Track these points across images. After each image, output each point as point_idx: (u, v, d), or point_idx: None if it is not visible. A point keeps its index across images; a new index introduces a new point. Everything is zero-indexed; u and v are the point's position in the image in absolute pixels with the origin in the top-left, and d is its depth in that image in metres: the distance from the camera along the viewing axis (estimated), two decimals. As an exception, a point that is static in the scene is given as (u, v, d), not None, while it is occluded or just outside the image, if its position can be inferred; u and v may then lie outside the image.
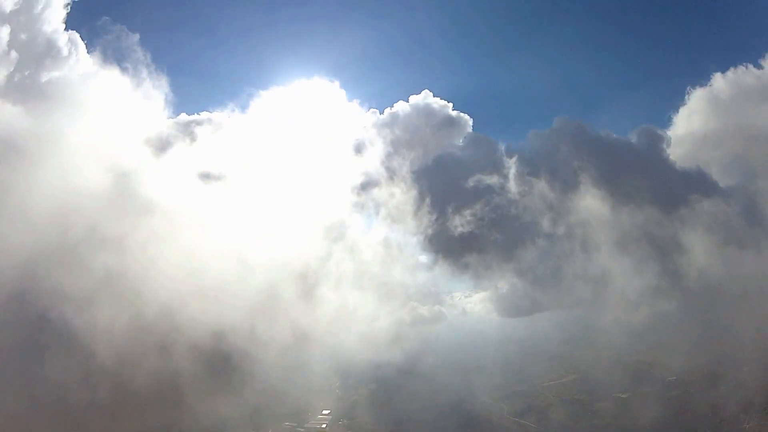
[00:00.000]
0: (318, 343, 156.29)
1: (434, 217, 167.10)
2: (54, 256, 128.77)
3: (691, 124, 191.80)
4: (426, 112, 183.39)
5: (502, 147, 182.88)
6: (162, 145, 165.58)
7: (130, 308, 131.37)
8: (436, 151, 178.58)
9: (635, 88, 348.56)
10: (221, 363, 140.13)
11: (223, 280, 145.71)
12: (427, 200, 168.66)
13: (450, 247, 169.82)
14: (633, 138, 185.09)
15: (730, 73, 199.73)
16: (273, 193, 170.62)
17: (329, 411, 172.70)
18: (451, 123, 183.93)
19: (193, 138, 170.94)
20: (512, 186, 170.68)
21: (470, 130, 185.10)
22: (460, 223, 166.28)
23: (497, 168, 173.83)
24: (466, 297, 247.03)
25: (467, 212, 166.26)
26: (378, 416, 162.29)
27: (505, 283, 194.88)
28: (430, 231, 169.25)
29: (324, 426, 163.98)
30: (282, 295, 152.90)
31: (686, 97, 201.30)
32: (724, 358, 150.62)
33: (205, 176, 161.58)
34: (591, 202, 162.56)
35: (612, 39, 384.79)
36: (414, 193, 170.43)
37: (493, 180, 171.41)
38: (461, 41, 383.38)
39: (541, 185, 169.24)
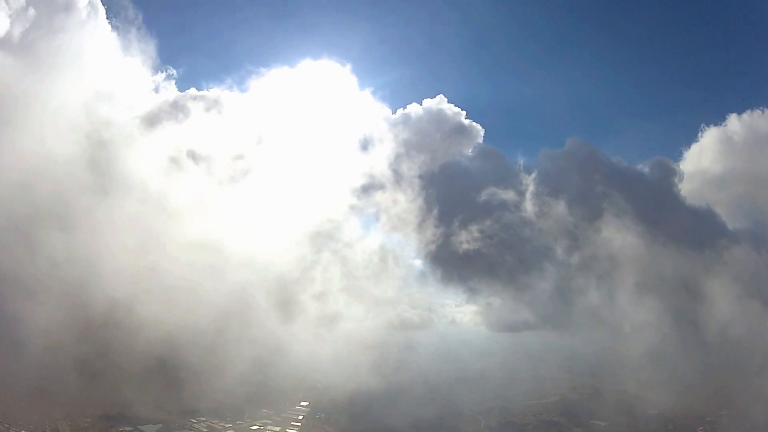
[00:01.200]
0: (294, 354, 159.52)
1: (440, 230, 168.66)
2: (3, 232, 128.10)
3: (702, 162, 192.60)
4: (439, 117, 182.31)
5: (520, 162, 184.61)
6: (150, 119, 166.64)
7: (73, 300, 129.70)
8: (444, 158, 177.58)
9: (648, 118, 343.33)
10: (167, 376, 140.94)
11: (188, 279, 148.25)
12: (435, 211, 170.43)
13: (452, 264, 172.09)
14: (645, 168, 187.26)
15: (745, 116, 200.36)
16: (263, 184, 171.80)
17: (308, 403, 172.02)
18: (462, 131, 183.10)
19: (185, 114, 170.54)
20: (528, 205, 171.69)
21: (481, 140, 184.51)
22: (466, 239, 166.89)
23: (513, 183, 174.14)
24: (456, 306, 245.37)
25: (475, 228, 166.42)
26: (355, 417, 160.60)
27: (498, 299, 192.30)
28: (433, 246, 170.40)
29: (301, 417, 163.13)
30: (256, 301, 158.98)
31: (699, 134, 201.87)
32: (711, 403, 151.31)
33: (191, 157, 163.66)
34: (608, 232, 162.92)
35: (631, 66, 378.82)
36: (420, 201, 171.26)
37: (508, 195, 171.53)
38: (480, 50, 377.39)
39: (560, 208, 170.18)
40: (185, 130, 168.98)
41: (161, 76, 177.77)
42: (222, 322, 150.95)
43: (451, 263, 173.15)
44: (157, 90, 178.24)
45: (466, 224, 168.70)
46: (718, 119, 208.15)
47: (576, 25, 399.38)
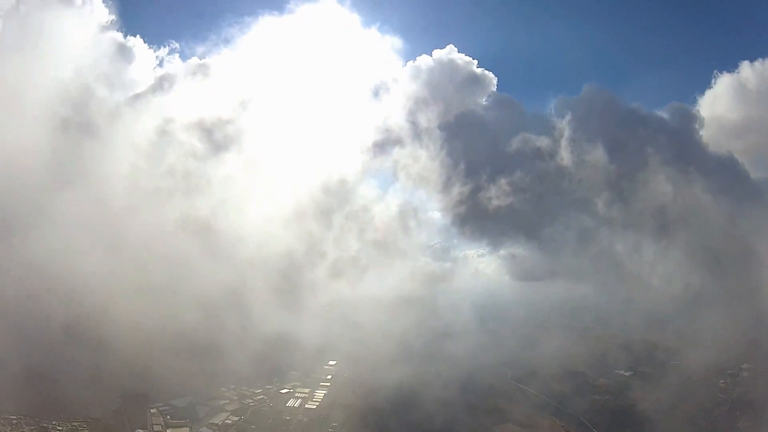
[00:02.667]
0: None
1: (467, 186, 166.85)
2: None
3: (716, 109, 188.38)
4: (450, 67, 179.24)
5: (551, 106, 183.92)
6: (142, 94, 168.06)
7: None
8: (458, 109, 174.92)
9: (660, 64, 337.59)
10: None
11: (170, 274, 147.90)
12: (460, 165, 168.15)
13: (480, 220, 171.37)
14: (665, 115, 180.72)
15: (758, 64, 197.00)
16: (261, 149, 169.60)
17: (336, 362, 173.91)
18: (475, 81, 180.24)
19: (173, 83, 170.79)
20: (564, 153, 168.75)
21: (494, 89, 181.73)
22: (496, 195, 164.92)
23: (546, 129, 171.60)
24: (479, 256, 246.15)
25: (505, 181, 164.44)
26: (382, 372, 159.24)
27: (523, 249, 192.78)
28: (460, 204, 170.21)
29: (329, 377, 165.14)
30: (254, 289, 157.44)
31: (713, 80, 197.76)
32: (735, 356, 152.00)
33: (174, 127, 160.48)
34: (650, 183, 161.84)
35: (644, 11, 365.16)
36: (443, 155, 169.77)
37: (542, 143, 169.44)
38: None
39: (599, 155, 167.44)
40: (176, 99, 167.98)
41: (164, 50, 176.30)
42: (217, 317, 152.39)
43: (479, 219, 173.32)
44: (161, 64, 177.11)
45: (494, 178, 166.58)
46: (731, 66, 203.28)
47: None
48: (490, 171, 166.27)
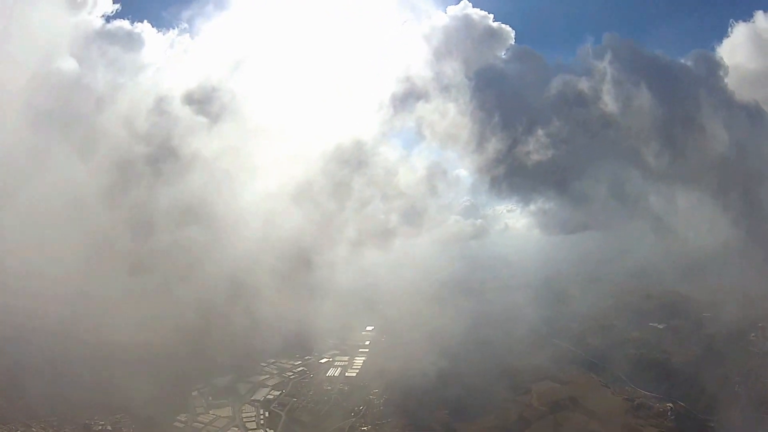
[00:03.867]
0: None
1: (504, 142, 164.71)
2: None
3: (735, 58, 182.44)
4: (466, 23, 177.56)
5: (588, 47, 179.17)
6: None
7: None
8: (478, 64, 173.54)
9: (676, 12, 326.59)
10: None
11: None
12: (495, 119, 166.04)
13: (515, 180, 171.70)
14: (688, 62, 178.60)
15: None
16: (263, 117, 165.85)
17: (372, 327, 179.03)
18: (493, 35, 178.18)
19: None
20: (607, 97, 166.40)
21: (512, 42, 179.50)
22: (535, 148, 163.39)
23: (587, 70, 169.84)
24: (508, 211, 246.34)
25: (543, 132, 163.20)
26: (418, 335, 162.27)
27: (554, 204, 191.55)
28: (499, 166, 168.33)
29: (367, 342, 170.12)
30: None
31: (729, 29, 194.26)
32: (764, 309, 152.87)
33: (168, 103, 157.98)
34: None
35: None
36: (473, 108, 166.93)
37: (583, 85, 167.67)
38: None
39: (643, 98, 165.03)
40: (173, 75, 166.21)
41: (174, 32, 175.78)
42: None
43: (514, 176, 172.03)
44: (172, 46, 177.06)
45: (532, 129, 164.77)
46: (746, 15, 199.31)
47: None
48: (527, 122, 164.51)
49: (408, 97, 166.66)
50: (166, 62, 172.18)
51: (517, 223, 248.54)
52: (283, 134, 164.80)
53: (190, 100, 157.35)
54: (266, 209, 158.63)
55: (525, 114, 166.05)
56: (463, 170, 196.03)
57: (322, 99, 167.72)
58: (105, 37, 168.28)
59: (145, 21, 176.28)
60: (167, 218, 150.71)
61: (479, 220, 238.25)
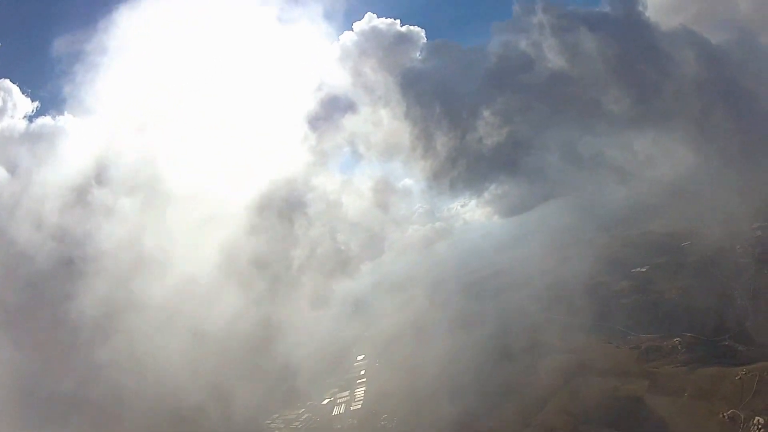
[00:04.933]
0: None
1: (454, 135, 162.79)
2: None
3: None
4: (374, 34, 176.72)
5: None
6: None
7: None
8: (399, 68, 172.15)
9: None
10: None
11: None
12: (437, 113, 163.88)
13: (465, 174, 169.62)
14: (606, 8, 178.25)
15: None
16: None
17: (363, 356, 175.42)
18: (403, 38, 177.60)
19: None
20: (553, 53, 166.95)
21: (424, 41, 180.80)
22: (485, 132, 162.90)
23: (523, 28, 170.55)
24: (462, 206, 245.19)
25: (490, 112, 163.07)
26: (412, 348, 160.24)
27: (507, 186, 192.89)
28: (457, 164, 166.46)
29: (363, 372, 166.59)
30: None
31: None
32: (743, 220, 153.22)
33: None
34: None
35: None
36: (413, 112, 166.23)
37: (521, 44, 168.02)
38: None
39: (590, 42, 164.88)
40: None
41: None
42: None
43: (471, 170, 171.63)
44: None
45: (477, 113, 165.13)
46: None
47: None
48: (469, 109, 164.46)
49: (332, 113, 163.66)
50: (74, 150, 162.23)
51: (474, 215, 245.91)
52: (198, 198, 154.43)
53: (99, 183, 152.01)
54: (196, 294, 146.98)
55: (464, 101, 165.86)
56: (409, 179, 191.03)
57: (236, 147, 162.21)
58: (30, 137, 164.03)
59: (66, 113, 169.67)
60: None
61: (438, 223, 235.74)
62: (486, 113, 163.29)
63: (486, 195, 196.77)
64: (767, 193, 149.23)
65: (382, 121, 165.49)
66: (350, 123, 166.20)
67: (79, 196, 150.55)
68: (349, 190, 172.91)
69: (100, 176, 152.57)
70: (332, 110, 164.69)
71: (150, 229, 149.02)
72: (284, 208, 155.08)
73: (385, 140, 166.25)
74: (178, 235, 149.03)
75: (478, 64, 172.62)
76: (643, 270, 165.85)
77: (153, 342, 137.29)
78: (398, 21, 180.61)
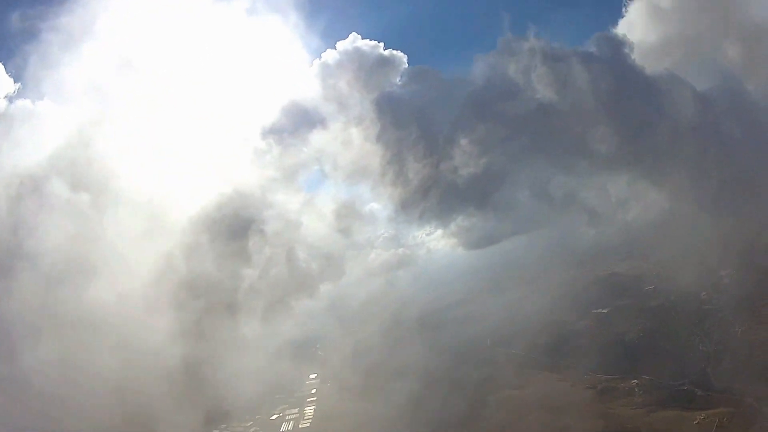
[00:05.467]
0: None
1: (427, 163, 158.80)
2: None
3: (634, 35, 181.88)
4: (357, 55, 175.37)
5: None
6: None
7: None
8: (376, 91, 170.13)
9: (566, 5, 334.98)
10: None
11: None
12: (412, 138, 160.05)
13: (440, 205, 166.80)
14: (591, 48, 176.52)
15: None
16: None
17: (315, 375, 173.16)
18: (385, 62, 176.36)
19: None
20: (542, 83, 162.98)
21: (406, 66, 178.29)
22: (461, 161, 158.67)
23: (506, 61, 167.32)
24: (427, 235, 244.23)
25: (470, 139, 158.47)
26: (364, 374, 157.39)
27: (475, 219, 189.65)
28: (429, 194, 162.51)
29: (314, 391, 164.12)
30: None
31: (623, 9, 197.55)
32: (711, 267, 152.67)
33: None
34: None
35: None
36: (387, 135, 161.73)
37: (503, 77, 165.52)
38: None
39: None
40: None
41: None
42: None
43: (442, 201, 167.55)
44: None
45: (454, 140, 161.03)
46: None
47: None
48: (445, 136, 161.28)
49: (299, 127, 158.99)
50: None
51: (438, 244, 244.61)
52: (149, 203, 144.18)
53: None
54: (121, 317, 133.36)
55: (440, 129, 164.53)
56: (376, 204, 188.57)
57: (196, 152, 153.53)
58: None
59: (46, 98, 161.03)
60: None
61: (401, 249, 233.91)
62: (463, 143, 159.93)
63: (452, 226, 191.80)
64: (739, 240, 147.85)
65: (353, 141, 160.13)
66: (318, 139, 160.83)
67: (30, 186, 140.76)
68: (311, 209, 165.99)
69: (53, 168, 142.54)
70: (301, 124, 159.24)
71: (93, 232, 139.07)
72: (236, 225, 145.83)
73: (354, 162, 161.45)
74: (121, 241, 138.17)
75: (458, 93, 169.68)
76: (605, 311, 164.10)
77: (81, 354, 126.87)
78: (382, 44, 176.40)
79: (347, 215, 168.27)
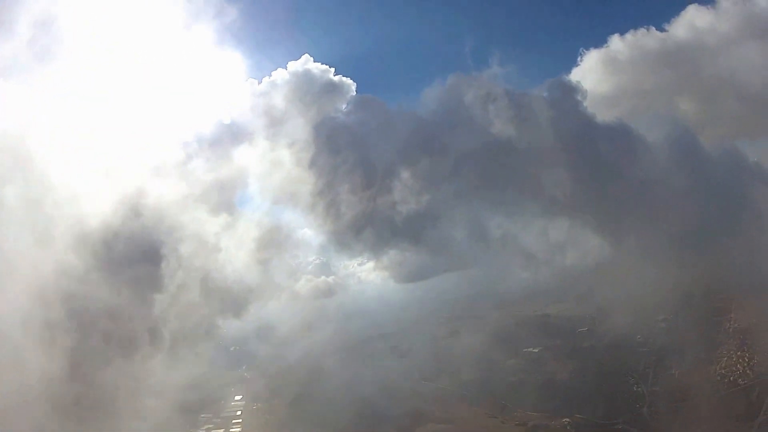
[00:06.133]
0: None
1: (362, 196, 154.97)
2: None
3: (585, 84, 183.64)
4: (306, 78, 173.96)
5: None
6: None
7: None
8: (319, 116, 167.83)
9: (521, 49, 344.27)
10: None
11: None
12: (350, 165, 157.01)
13: (374, 237, 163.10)
14: (543, 92, 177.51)
15: (629, 35, 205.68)
16: None
17: (241, 396, 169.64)
18: (333, 88, 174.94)
19: None
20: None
21: (353, 94, 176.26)
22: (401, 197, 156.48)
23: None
24: (359, 265, 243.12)
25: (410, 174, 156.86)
26: (290, 399, 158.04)
27: (409, 253, 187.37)
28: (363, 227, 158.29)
29: (239, 413, 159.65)
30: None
31: (579, 58, 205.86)
32: (642, 310, 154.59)
33: None
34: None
35: None
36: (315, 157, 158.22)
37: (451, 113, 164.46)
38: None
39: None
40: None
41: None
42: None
43: (377, 234, 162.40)
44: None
45: (395, 173, 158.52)
46: (599, 42, 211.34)
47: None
48: (386, 169, 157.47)
49: (224, 142, 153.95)
50: None
51: (370, 275, 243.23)
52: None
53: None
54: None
55: (381, 162, 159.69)
56: (309, 230, 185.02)
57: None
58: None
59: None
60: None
61: (332, 277, 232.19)
62: (404, 176, 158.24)
63: (385, 259, 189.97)
64: (678, 288, 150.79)
65: (284, 163, 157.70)
66: (247, 158, 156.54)
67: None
68: (234, 231, 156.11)
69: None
70: (229, 139, 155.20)
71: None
72: (144, 244, 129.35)
73: (283, 187, 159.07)
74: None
75: (403, 126, 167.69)
76: (535, 350, 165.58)
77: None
78: (333, 69, 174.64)
79: (272, 242, 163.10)
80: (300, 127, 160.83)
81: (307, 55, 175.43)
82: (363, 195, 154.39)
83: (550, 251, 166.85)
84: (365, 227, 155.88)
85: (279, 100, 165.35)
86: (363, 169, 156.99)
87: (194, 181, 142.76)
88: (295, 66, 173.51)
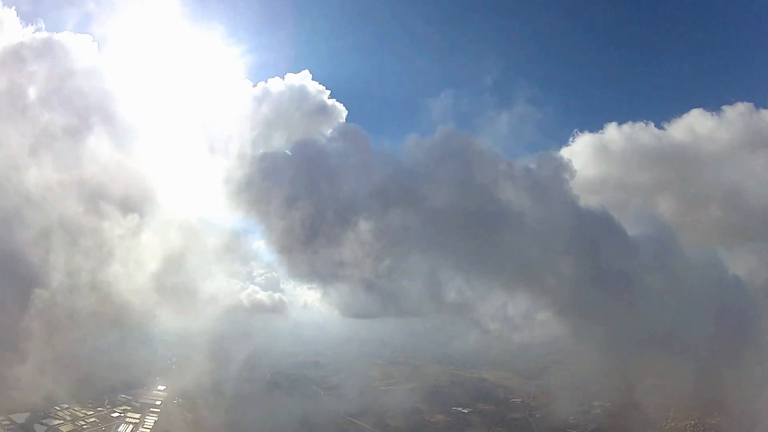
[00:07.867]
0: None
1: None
2: None
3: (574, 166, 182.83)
4: (300, 93, 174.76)
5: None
6: None
7: None
8: (299, 136, 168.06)
9: (517, 117, 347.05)
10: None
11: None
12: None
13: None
14: (532, 164, 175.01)
15: (626, 126, 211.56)
16: None
17: (165, 387, 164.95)
18: (324, 110, 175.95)
19: None
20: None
21: (343, 120, 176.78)
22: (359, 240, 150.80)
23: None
24: (309, 289, 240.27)
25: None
26: (211, 408, 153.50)
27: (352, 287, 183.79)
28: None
29: (158, 403, 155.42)
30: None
31: (571, 139, 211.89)
32: (580, 393, 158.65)
33: None
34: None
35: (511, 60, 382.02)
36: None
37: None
38: (352, 27, 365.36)
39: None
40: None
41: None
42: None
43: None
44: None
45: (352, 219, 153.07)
46: (595, 127, 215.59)
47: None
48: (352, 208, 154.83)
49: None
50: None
51: (316, 302, 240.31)
52: None
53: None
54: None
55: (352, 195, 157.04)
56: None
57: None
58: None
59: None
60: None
61: (278, 294, 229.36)
62: (369, 221, 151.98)
63: (333, 292, 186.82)
64: (622, 380, 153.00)
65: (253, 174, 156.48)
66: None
67: None
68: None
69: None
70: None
71: None
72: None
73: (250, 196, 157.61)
74: None
75: (382, 168, 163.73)
76: (465, 411, 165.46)
77: None
78: (329, 92, 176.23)
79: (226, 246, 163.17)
80: (280, 140, 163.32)
81: (307, 71, 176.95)
82: (323, 229, 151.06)
83: (506, 327, 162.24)
84: (317, 260, 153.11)
85: (266, 108, 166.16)
86: (331, 203, 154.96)
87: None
88: (292, 79, 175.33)
